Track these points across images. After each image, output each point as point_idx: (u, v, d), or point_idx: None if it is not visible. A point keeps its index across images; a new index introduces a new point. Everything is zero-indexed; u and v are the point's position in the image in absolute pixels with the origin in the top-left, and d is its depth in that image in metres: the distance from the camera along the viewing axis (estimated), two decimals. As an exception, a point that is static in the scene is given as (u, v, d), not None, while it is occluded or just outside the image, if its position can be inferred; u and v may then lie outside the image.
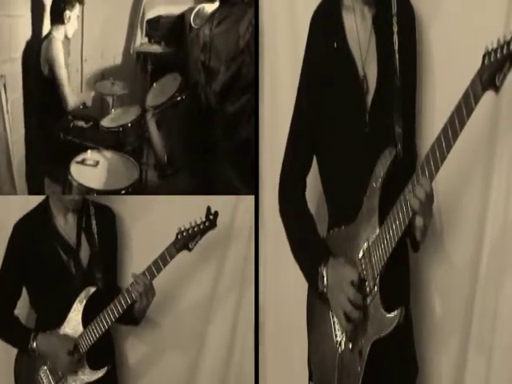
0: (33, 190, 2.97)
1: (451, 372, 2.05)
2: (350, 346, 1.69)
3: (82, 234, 2.17)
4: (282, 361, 2.30)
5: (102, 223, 2.20)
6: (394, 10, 1.74)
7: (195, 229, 2.05)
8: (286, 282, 2.27)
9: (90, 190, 2.55)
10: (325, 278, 1.69)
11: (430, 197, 1.55)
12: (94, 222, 2.18)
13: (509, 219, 1.91)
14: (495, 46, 1.36)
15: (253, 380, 2.32)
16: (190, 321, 2.40)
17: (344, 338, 1.71)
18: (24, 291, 2.22)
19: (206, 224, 2.06)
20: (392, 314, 1.59)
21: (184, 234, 2.05)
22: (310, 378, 1.87)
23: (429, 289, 2.05)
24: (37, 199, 2.47)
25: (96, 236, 2.17)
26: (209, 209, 2.06)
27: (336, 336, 1.74)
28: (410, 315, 1.82)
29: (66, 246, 2.15)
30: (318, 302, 1.80)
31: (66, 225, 2.19)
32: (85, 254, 2.16)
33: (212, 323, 2.39)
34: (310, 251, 1.78)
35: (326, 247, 1.78)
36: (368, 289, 1.65)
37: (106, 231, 2.21)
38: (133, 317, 2.12)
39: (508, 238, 1.92)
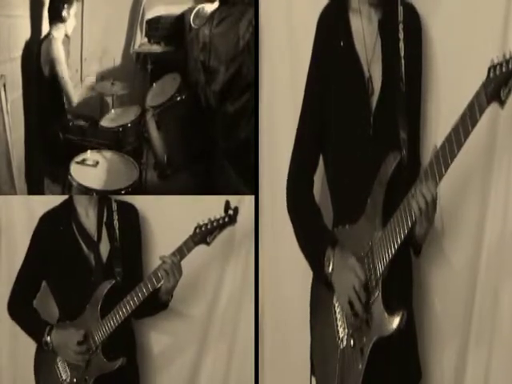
0: (33, 190, 2.97)
1: (451, 375, 2.06)
2: (352, 342, 1.70)
3: (104, 228, 2.20)
4: (282, 359, 2.30)
5: (124, 219, 2.22)
6: (401, 17, 1.76)
7: (214, 224, 2.06)
8: (286, 280, 2.27)
9: (89, 190, 2.55)
10: (331, 261, 1.70)
11: (434, 201, 1.56)
12: (116, 218, 2.20)
13: (507, 224, 1.93)
14: (501, 59, 1.40)
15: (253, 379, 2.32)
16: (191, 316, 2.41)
17: (346, 335, 1.72)
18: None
19: (226, 220, 2.06)
20: (393, 316, 1.61)
21: (202, 228, 2.06)
22: (312, 372, 1.89)
23: (429, 293, 2.06)
24: (37, 199, 2.49)
25: (117, 231, 2.18)
26: (227, 203, 2.06)
27: (338, 332, 1.75)
28: (413, 318, 1.82)
29: (87, 238, 2.18)
30: (321, 295, 1.82)
31: (87, 218, 2.22)
32: (105, 248, 2.18)
33: (212, 319, 2.40)
34: (317, 238, 1.79)
35: (334, 236, 1.79)
36: (370, 289, 1.66)
37: (128, 227, 2.23)
38: (160, 300, 2.12)
39: (506, 243, 1.93)
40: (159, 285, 2.07)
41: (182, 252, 2.05)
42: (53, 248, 2.19)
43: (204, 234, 2.06)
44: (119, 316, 2.07)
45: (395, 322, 1.60)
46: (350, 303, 1.67)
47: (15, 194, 2.81)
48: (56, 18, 3.04)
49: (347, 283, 1.67)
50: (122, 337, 2.15)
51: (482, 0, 1.90)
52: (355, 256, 1.70)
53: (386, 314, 1.62)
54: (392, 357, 1.70)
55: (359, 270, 1.67)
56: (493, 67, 1.41)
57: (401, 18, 1.76)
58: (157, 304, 2.14)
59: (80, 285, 2.14)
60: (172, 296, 2.14)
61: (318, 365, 1.85)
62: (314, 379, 1.89)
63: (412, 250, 1.74)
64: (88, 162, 2.79)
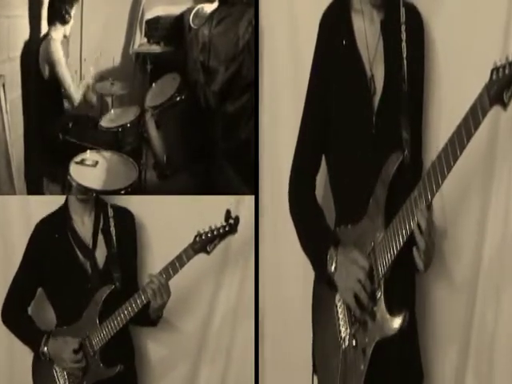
0: (32, 190, 2.96)
1: (452, 375, 2.07)
2: (354, 342, 1.70)
3: (100, 235, 2.20)
4: (283, 359, 2.31)
5: (120, 225, 2.22)
6: (403, 18, 1.77)
7: (214, 232, 2.05)
8: (286, 280, 2.28)
9: (89, 190, 2.54)
10: (334, 260, 1.71)
11: (430, 227, 1.58)
12: (112, 224, 2.20)
13: (508, 230, 1.95)
14: (503, 61, 1.40)
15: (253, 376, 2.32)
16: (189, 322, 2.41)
17: (348, 335, 1.73)
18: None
19: (226, 229, 2.06)
20: (396, 317, 1.61)
21: (203, 236, 2.05)
22: (315, 371, 1.89)
23: (431, 295, 2.07)
24: (36, 199, 2.49)
25: (114, 238, 2.19)
26: (228, 212, 2.06)
27: (340, 332, 1.76)
28: (415, 319, 1.83)
29: (82, 246, 2.18)
30: (323, 295, 1.82)
31: (83, 226, 2.22)
32: (101, 254, 2.18)
33: (211, 323, 2.40)
34: (319, 238, 1.80)
35: (337, 235, 1.80)
36: (375, 278, 1.67)
37: (124, 233, 2.23)
38: (148, 317, 2.14)
39: (507, 248, 1.95)
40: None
41: (181, 260, 2.04)
42: (48, 256, 2.19)
43: (204, 243, 2.05)
44: (116, 323, 2.07)
45: (397, 322, 1.60)
46: (356, 296, 1.67)
47: (14, 194, 2.81)
48: (56, 19, 3.03)
49: (351, 277, 1.67)
50: (120, 343, 2.15)
51: (484, 1, 1.91)
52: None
53: (387, 316, 1.62)
54: (394, 357, 1.71)
55: (362, 260, 1.67)
56: (496, 69, 1.41)
57: (403, 19, 1.76)
58: (146, 320, 2.16)
59: (77, 292, 2.14)
60: (161, 315, 2.16)
61: (319, 364, 1.86)
62: (316, 379, 1.89)
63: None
64: (87, 162, 2.78)
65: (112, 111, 3.17)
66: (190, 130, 2.97)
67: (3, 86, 2.74)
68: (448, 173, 1.51)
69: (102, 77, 3.27)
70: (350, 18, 1.81)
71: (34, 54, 3.01)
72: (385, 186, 1.67)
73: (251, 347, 2.32)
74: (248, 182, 2.35)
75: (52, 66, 3.00)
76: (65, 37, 3.12)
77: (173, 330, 2.38)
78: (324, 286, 1.79)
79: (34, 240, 2.24)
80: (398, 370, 1.75)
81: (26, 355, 2.24)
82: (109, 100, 3.20)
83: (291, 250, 2.02)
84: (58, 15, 3.03)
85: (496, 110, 1.45)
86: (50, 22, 3.05)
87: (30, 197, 2.70)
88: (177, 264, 2.04)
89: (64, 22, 3.04)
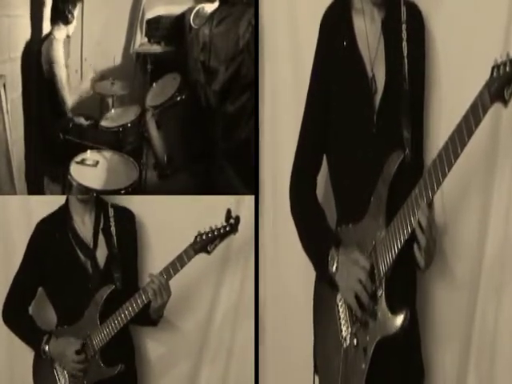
0: (32, 190, 2.96)
1: (454, 374, 2.07)
2: (355, 342, 1.70)
3: (101, 235, 2.20)
4: (283, 359, 2.31)
5: (121, 225, 2.22)
6: (404, 17, 1.77)
7: (215, 233, 2.06)
8: (286, 280, 2.28)
9: (89, 190, 2.54)
10: (335, 261, 1.71)
11: (431, 225, 1.58)
12: (113, 224, 2.20)
13: (509, 228, 1.94)
14: (504, 58, 1.41)
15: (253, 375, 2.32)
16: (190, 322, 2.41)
17: (349, 334, 1.73)
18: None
19: (227, 229, 2.06)
20: (397, 316, 1.61)
21: (203, 236, 2.06)
22: (316, 371, 1.89)
23: (432, 293, 2.07)
24: (36, 199, 2.49)
25: (115, 237, 2.19)
26: (229, 212, 2.06)
27: (341, 331, 1.75)
28: (417, 318, 1.83)
29: (83, 246, 2.18)
30: (324, 294, 1.82)
31: (83, 226, 2.22)
32: (102, 254, 2.18)
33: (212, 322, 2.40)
34: (321, 238, 1.80)
35: (338, 236, 1.80)
36: (376, 277, 1.67)
37: (125, 233, 2.23)
38: (149, 317, 2.14)
39: (508, 247, 1.95)
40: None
41: (182, 260, 2.05)
42: (49, 255, 2.19)
43: (205, 243, 2.06)
44: (117, 323, 2.08)
45: (399, 320, 1.60)
46: (357, 297, 1.67)
47: (15, 193, 2.81)
48: (59, 19, 3.03)
49: (352, 278, 1.67)
50: (121, 343, 2.15)
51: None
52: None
53: (389, 314, 1.62)
54: (395, 356, 1.71)
55: (363, 261, 1.68)
56: (496, 66, 1.42)
57: (404, 17, 1.76)
58: (147, 320, 2.16)
59: (77, 292, 2.15)
60: (162, 315, 2.16)
61: (321, 364, 1.86)
62: (317, 378, 1.89)
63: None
64: (88, 162, 2.78)
65: (112, 111, 3.17)
66: (190, 130, 2.97)
67: (4, 86, 2.74)
68: (449, 170, 1.51)
69: (102, 77, 3.27)
70: (350, 18, 1.81)
71: (36, 53, 3.01)
72: (386, 184, 1.67)
73: (251, 347, 2.32)
74: (248, 182, 2.35)
75: (51, 66, 3.00)
76: (67, 37, 3.12)
77: (173, 329, 2.38)
78: (325, 286, 1.80)
79: (35, 240, 2.24)
80: (399, 368, 1.75)
81: (26, 355, 2.25)
82: (109, 100, 3.20)
83: (291, 249, 2.03)
84: (61, 15, 3.03)
85: (497, 107, 1.45)
86: (53, 22, 3.05)
87: (31, 197, 2.71)
88: (177, 264, 2.04)
89: (67, 22, 3.05)
